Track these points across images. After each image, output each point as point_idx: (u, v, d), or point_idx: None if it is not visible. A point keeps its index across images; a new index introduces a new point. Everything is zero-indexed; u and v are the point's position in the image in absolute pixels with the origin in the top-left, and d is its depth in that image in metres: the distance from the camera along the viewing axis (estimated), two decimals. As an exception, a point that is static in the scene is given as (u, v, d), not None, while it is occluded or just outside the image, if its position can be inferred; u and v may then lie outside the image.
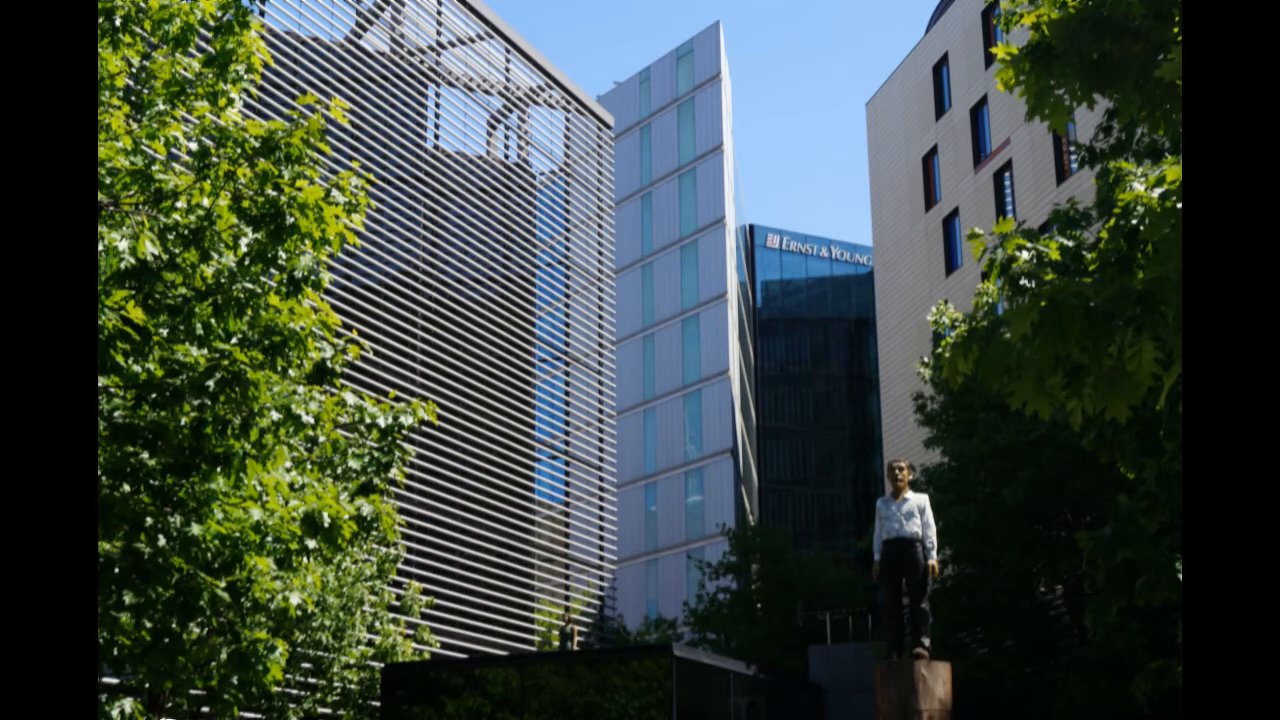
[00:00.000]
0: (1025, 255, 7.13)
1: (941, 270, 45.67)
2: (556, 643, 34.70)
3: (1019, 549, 24.48)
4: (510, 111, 39.38)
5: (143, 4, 9.18)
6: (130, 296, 7.61)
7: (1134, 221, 6.60)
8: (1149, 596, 14.48)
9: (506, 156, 39.10)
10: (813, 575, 43.43)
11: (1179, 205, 6.25)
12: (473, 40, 37.80)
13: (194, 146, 8.82)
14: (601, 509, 41.30)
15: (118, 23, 8.81)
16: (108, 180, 8.44)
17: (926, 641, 13.48)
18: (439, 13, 36.61)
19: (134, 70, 9.65)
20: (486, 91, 38.32)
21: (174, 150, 9.04)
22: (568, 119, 42.32)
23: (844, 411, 72.16)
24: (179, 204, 8.28)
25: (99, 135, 8.51)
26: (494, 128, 38.74)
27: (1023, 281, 7.01)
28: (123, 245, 7.46)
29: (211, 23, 9.55)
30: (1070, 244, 7.92)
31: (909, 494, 13.92)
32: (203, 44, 10.31)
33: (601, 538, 40.87)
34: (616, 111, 62.72)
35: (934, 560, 13.79)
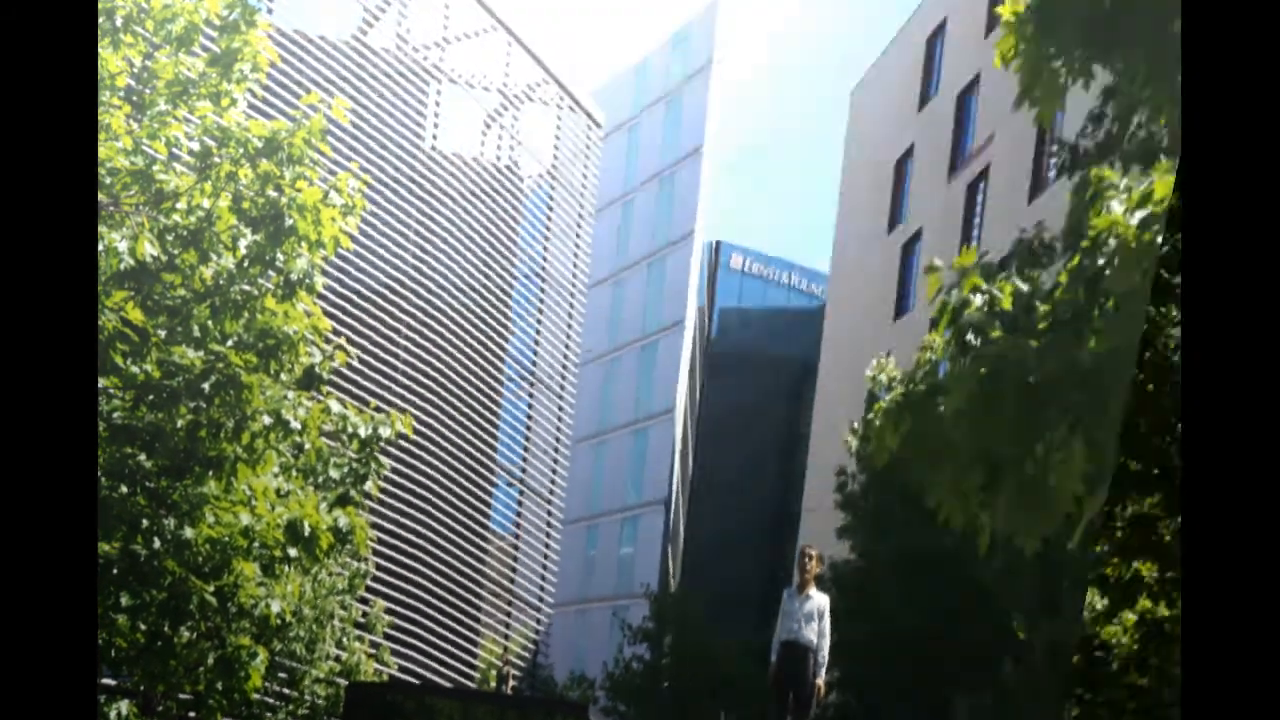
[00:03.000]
0: (978, 300, 7.05)
1: (890, 312, 44.57)
2: (493, 682, 34.53)
3: (902, 693, 23.64)
4: (505, 110, 38.91)
5: (145, 4, 9.13)
6: (130, 297, 7.59)
7: (1100, 262, 6.49)
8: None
9: (498, 159, 38.70)
10: (719, 658, 42.53)
11: (1158, 239, 6.19)
12: (472, 36, 37.36)
13: (196, 146, 8.78)
14: (547, 546, 40.40)
15: (118, 22, 8.75)
16: (108, 180, 8.39)
17: None
18: (446, 6, 36.11)
19: (135, 70, 9.59)
20: (485, 89, 37.90)
21: (175, 150, 9.00)
22: (559, 118, 41.80)
23: (774, 475, 65.80)
24: (179, 205, 8.25)
25: (99, 135, 8.47)
26: (488, 127, 38.31)
27: (969, 337, 6.94)
28: (122, 246, 7.42)
29: (217, 22, 9.50)
30: (1026, 289, 7.84)
31: (812, 591, 13.44)
32: (207, 43, 10.25)
33: (544, 577, 40.05)
34: (609, 108, 61.65)
35: (821, 680, 13.46)
